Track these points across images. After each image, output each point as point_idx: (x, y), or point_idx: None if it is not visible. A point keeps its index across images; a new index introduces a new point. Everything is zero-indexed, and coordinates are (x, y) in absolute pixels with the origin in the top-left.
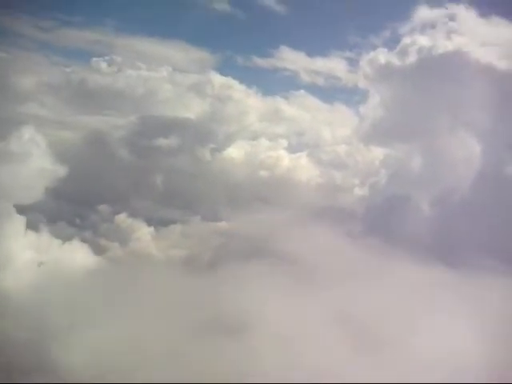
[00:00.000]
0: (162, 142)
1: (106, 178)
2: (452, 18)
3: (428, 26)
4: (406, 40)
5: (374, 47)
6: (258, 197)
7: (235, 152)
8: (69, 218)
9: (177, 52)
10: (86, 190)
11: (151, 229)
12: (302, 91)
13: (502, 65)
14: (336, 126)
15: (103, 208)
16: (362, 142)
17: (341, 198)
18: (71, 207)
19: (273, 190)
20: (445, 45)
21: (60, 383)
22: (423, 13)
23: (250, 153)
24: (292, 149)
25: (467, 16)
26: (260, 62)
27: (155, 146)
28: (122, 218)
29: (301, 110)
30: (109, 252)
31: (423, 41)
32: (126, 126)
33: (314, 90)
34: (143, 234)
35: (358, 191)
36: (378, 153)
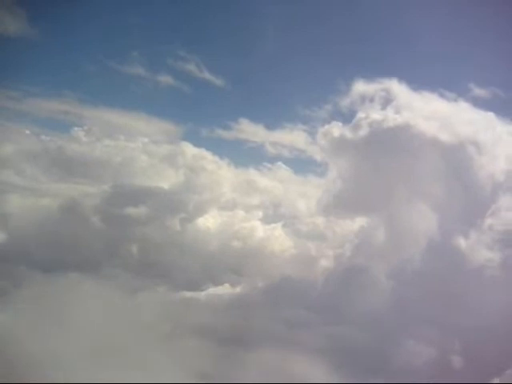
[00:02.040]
0: (133, 210)
1: (78, 245)
2: (387, 91)
3: (367, 100)
4: (360, 114)
5: (328, 120)
6: (231, 267)
7: (208, 222)
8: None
9: (146, 123)
10: (57, 256)
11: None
12: (275, 163)
13: (444, 137)
14: (310, 197)
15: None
16: (324, 215)
17: (311, 270)
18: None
19: (246, 260)
20: (394, 118)
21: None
22: (360, 87)
23: (224, 223)
24: (267, 220)
25: (400, 90)
26: (224, 133)
27: (127, 215)
28: None
29: (274, 181)
30: None
31: (374, 114)
32: (100, 195)
33: (285, 162)
34: None
35: (324, 262)
36: (348, 225)
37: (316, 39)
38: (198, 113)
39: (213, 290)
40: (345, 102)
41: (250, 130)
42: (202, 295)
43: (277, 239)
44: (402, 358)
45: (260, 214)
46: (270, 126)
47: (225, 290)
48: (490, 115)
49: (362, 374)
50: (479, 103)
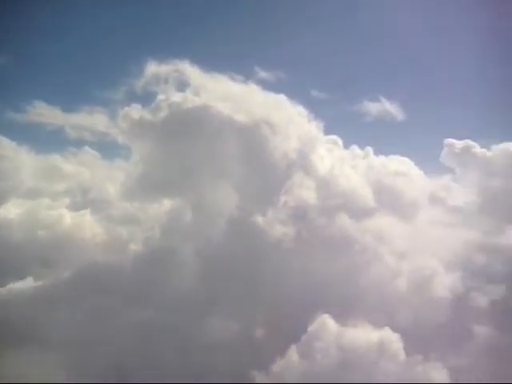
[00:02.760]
0: None
1: None
2: (181, 73)
3: (161, 81)
4: (159, 96)
5: (127, 103)
6: (37, 259)
7: (9, 212)
8: None
9: None
10: None
11: None
12: (81, 148)
13: (239, 118)
14: (118, 181)
15: None
16: (129, 199)
17: (121, 255)
18: None
19: (53, 250)
20: (193, 100)
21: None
22: (153, 68)
23: (27, 212)
24: (75, 206)
25: (193, 72)
26: (17, 117)
27: None
28: None
29: (80, 166)
30: None
31: (174, 97)
32: None
33: (91, 146)
34: None
35: (134, 246)
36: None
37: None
38: None
39: (13, 285)
40: (140, 84)
41: (47, 113)
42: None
43: (86, 226)
44: (207, 335)
45: (67, 201)
46: (67, 108)
47: (27, 284)
48: (282, 97)
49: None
50: (267, 86)
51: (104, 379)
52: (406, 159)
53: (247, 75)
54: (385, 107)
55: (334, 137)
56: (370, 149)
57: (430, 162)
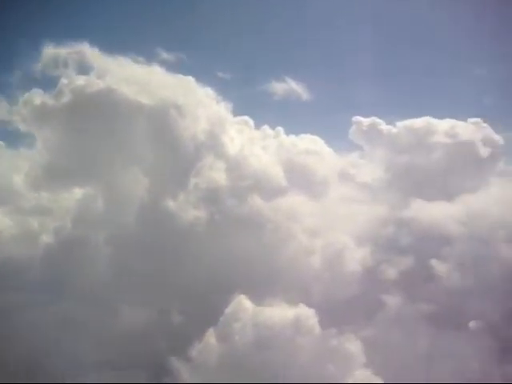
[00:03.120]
0: None
1: None
2: (81, 55)
3: (60, 64)
4: (62, 80)
5: (27, 88)
6: None
7: None
8: None
9: None
10: None
11: None
12: None
13: (146, 101)
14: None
15: None
16: (36, 189)
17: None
18: None
19: None
20: (97, 83)
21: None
22: (51, 51)
23: None
24: None
25: (93, 54)
26: None
27: None
28: None
29: None
30: None
31: (78, 80)
32: None
33: None
34: None
35: (46, 238)
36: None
37: None
38: None
39: None
40: (39, 68)
41: None
42: None
43: None
44: (123, 325)
45: None
46: None
47: None
48: (188, 79)
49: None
50: (170, 67)
51: (16, 377)
52: (316, 138)
53: (149, 57)
54: (291, 87)
55: (245, 117)
56: (280, 129)
57: (339, 139)
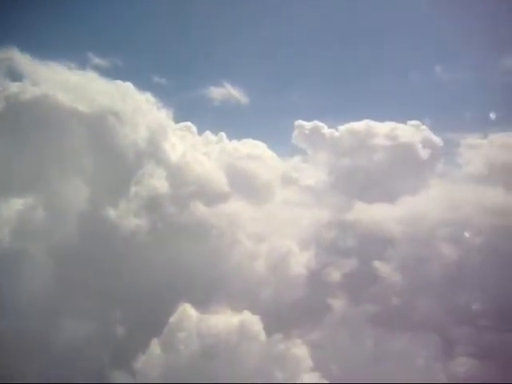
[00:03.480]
0: None
1: None
2: (11, 61)
3: None
4: None
5: None
6: None
7: None
8: None
9: None
10: None
11: None
12: None
13: (84, 108)
14: None
15: None
16: None
17: None
18: None
19: None
20: (32, 90)
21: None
22: None
23: None
24: None
25: (24, 60)
26: None
27: None
28: None
29: None
30: None
31: (11, 87)
32: None
33: None
34: None
35: None
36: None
37: None
38: None
39: None
40: None
41: None
42: None
43: None
44: (65, 338)
45: None
46: None
47: None
48: (128, 85)
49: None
50: (104, 73)
51: None
52: (258, 143)
53: (81, 62)
54: (229, 91)
55: (188, 123)
56: (223, 134)
57: (283, 144)
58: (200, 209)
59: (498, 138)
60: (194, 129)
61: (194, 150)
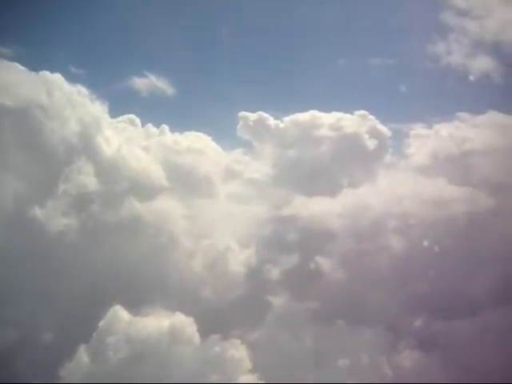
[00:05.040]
0: None
1: None
2: None
3: None
4: None
5: None
6: None
7: None
8: None
9: None
10: None
11: None
12: None
13: (5, 101)
14: None
15: None
16: None
17: None
18: None
19: None
20: None
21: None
22: None
23: None
24: None
25: None
26: None
27: None
28: None
29: None
30: None
31: None
32: None
33: None
34: None
35: None
36: None
37: None
38: None
39: None
40: None
41: None
42: None
43: None
44: None
45: None
46: None
47: None
48: (57, 76)
49: None
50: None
51: None
52: (201, 135)
53: None
54: (153, 83)
55: (131, 116)
56: (165, 127)
57: (228, 136)
58: (134, 205)
59: (442, 127)
60: (138, 121)
61: (131, 144)
